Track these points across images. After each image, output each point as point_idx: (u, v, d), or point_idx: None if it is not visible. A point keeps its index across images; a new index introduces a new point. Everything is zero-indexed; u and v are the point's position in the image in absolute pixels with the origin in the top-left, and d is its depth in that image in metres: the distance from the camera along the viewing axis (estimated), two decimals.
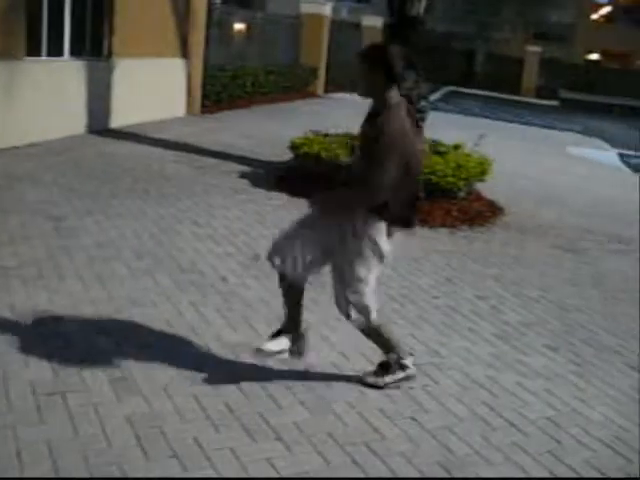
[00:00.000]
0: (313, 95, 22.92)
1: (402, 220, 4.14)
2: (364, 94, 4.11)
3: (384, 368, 4.44)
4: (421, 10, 9.92)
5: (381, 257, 4.12)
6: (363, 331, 4.30)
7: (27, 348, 4.30)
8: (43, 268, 5.60)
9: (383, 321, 4.39)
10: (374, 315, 4.20)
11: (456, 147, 10.54)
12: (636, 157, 19.41)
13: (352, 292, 4.13)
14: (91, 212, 7.24)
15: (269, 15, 24.11)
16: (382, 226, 4.06)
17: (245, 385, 4.20)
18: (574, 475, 3.80)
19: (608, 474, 3.87)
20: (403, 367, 4.41)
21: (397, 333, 4.59)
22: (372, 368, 4.51)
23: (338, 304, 4.21)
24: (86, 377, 4.06)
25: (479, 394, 4.54)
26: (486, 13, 42.95)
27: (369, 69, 4.04)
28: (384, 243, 4.08)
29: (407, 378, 4.45)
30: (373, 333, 4.30)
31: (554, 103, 39.23)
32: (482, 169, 9.78)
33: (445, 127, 14.83)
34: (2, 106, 9.42)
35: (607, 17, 50.73)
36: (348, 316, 4.19)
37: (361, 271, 4.09)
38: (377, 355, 4.50)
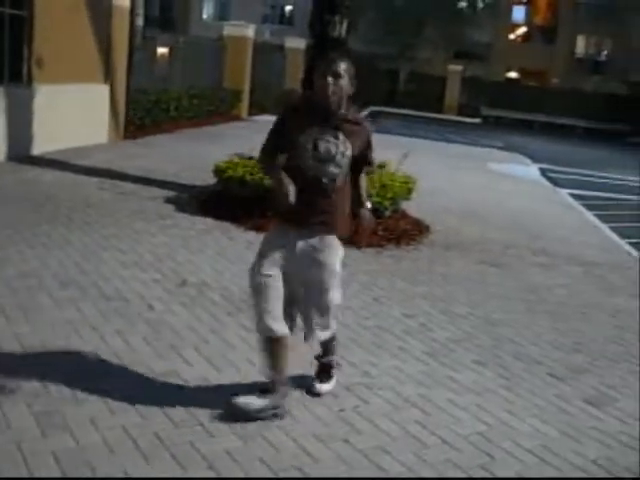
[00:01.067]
0: (237, 118, 22.92)
1: None
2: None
3: (325, 373, 4.69)
4: (343, 31, 10.00)
5: None
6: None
7: None
8: None
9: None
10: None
11: (381, 166, 10.61)
12: (556, 172, 19.88)
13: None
14: (14, 242, 7.07)
15: (192, 38, 24.08)
16: None
17: (174, 413, 4.13)
18: None
19: None
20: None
21: None
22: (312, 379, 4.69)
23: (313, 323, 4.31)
24: (8, 413, 3.94)
25: (411, 412, 4.56)
26: (408, 33, 43.65)
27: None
28: None
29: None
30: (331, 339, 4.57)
31: (476, 120, 40.01)
32: (407, 188, 9.88)
33: None
34: None
35: (523, 37, 52.00)
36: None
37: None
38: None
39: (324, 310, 4.29)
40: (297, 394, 4.57)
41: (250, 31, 23.94)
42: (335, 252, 4.28)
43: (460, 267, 8.22)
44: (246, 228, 8.62)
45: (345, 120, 4.20)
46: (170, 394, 4.36)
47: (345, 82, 4.12)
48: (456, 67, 44.85)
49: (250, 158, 10.19)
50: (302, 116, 4.18)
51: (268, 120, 21.55)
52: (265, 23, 45.29)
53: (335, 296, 4.33)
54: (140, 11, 25.87)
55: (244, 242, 8.05)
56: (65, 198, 9.23)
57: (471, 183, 15.41)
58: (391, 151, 12.44)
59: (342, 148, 4.14)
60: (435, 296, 7.03)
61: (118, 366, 4.67)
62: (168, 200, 9.69)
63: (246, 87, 23.98)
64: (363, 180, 4.54)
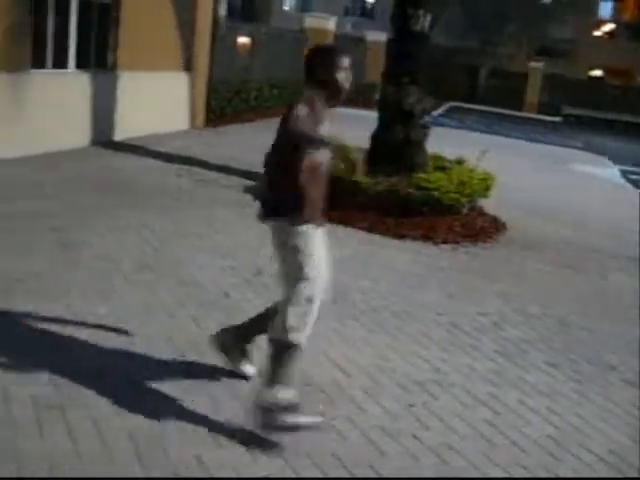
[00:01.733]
0: None
1: None
2: None
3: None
4: (425, 25, 9.97)
5: None
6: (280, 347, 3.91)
7: (28, 361, 4.30)
8: (45, 281, 5.60)
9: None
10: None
11: (459, 163, 10.56)
12: (638, 173, 19.42)
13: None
14: (94, 225, 7.25)
15: (273, 29, 24.22)
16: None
17: (245, 401, 4.18)
18: None
19: None
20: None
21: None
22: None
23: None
24: (86, 391, 4.05)
25: (480, 411, 4.53)
26: (490, 29, 43.11)
27: None
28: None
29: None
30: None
31: (556, 119, 39.30)
32: (485, 185, 9.79)
33: (448, 142, 14.84)
34: (6, 117, 9.45)
35: (609, 34, 50.85)
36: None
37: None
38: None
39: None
40: (365, 386, 4.58)
41: (331, 23, 23.97)
42: None
43: (536, 267, 8.11)
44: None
45: None
46: (242, 381, 4.41)
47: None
48: (537, 64, 44.04)
49: None
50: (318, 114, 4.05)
51: (346, 112, 21.33)
52: (346, 16, 45.29)
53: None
54: (223, 1, 26.16)
55: None
56: (145, 183, 9.41)
57: (550, 182, 15.16)
58: (470, 148, 12.34)
59: None
60: (510, 295, 6.96)
61: (192, 350, 4.75)
62: (247, 189, 9.78)
63: None
64: None
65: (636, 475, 4.09)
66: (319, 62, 4.05)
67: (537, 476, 3.89)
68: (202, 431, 3.83)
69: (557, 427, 4.46)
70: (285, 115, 3.92)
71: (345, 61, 4.03)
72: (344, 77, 4.03)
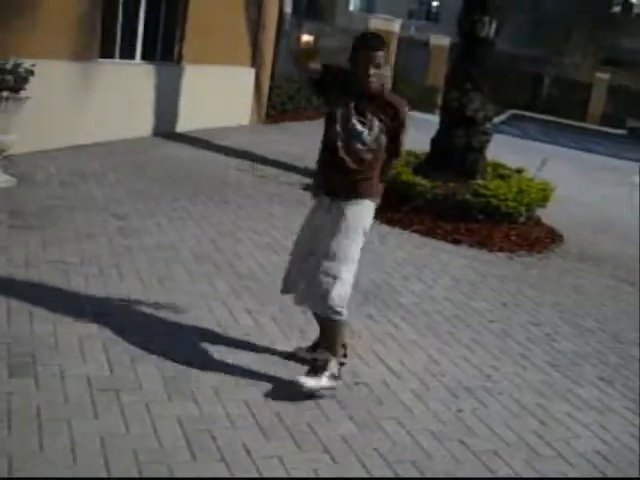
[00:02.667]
0: None
1: None
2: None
3: (315, 370, 4.35)
4: (491, 31, 9.91)
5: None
6: (326, 320, 4.30)
7: (85, 344, 4.40)
8: (104, 266, 5.72)
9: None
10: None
11: (519, 171, 10.48)
12: None
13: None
14: (154, 214, 7.37)
15: (338, 28, 24.27)
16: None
17: (295, 395, 4.22)
18: None
19: None
20: (333, 376, 4.33)
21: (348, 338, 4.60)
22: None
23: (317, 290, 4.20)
24: (140, 375, 4.14)
25: (528, 421, 4.51)
26: (556, 37, 42.59)
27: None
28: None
29: (330, 389, 4.31)
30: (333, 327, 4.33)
31: (621, 132, 38.67)
32: (544, 195, 9.70)
33: (508, 150, 14.73)
34: (74, 105, 9.64)
35: None
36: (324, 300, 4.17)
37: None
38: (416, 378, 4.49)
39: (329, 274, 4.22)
40: (415, 388, 4.60)
41: (396, 25, 23.93)
42: (353, 221, 4.29)
43: (592, 280, 8.02)
44: (379, 221, 8.66)
45: (379, 100, 4.22)
46: (292, 376, 4.45)
47: (384, 66, 4.20)
48: (603, 74, 43.39)
49: None
50: (341, 90, 4.28)
51: (409, 115, 21.29)
52: (411, 18, 45.11)
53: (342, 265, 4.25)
54: None
55: (377, 235, 8.08)
56: (205, 176, 9.53)
57: (611, 196, 14.94)
58: (530, 157, 12.25)
59: (371, 127, 4.19)
60: (564, 307, 6.90)
61: (245, 342, 4.81)
62: (306, 187, 9.83)
63: (389, 80, 23.99)
64: (388, 165, 4.49)
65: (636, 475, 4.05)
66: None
67: None
68: (250, 421, 3.88)
69: (607, 443, 4.41)
70: None
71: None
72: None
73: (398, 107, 4.24)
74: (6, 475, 3.13)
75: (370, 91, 4.18)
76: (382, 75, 4.19)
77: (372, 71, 4.12)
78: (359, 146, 4.21)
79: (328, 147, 4.32)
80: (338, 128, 4.22)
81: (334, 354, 4.34)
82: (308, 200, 4.94)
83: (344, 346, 4.53)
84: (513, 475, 3.87)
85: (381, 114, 4.18)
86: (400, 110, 4.23)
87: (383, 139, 4.23)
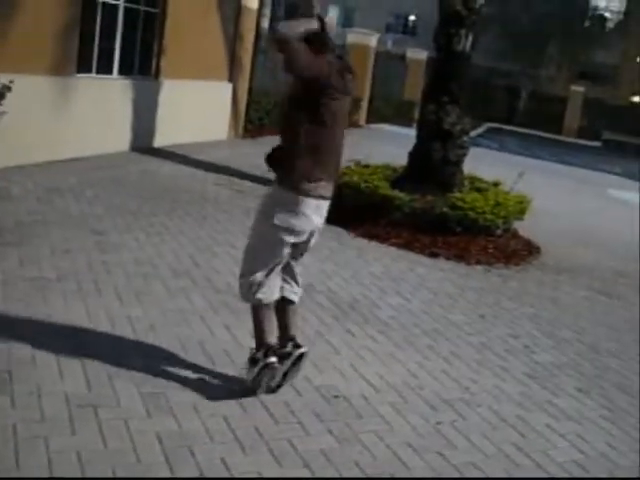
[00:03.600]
0: (355, 125, 22.96)
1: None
2: None
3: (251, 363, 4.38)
4: (468, 45, 10.00)
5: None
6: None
7: (62, 360, 4.38)
8: (82, 281, 5.70)
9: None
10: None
11: (495, 184, 10.55)
12: None
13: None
14: (131, 229, 7.35)
15: None
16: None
17: (274, 409, 4.22)
18: None
19: None
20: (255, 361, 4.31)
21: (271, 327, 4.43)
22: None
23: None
24: (118, 391, 4.12)
25: (507, 433, 4.53)
26: (531, 50, 43.01)
27: None
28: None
29: (265, 367, 4.26)
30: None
31: (596, 144, 39.04)
32: (521, 208, 9.77)
33: (485, 163, 14.82)
34: (51, 120, 9.61)
35: None
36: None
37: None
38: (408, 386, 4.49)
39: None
40: (393, 402, 4.61)
41: (373, 39, 24.05)
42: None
43: (569, 292, 8.07)
44: (357, 235, 8.70)
45: None
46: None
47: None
48: (579, 88, 43.86)
49: (366, 166, 10.29)
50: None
51: (386, 129, 21.46)
52: (388, 32, 45.44)
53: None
54: (266, 12, 26.36)
55: (355, 248, 8.14)
56: (183, 191, 9.52)
57: (587, 207, 15.08)
58: (506, 169, 12.34)
59: None
60: (541, 319, 6.94)
61: (223, 358, 4.80)
62: None
63: (366, 95, 24.07)
64: None
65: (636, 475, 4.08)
66: None
67: None
68: (230, 436, 3.87)
69: (585, 454, 4.44)
70: None
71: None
72: None
73: None
74: None
75: None
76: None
77: None
78: None
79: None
80: None
81: (258, 341, 4.37)
82: None
83: (285, 334, 4.51)
84: None
85: None
86: None
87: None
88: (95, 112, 10.52)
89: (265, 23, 20.97)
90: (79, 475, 3.32)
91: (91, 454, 3.49)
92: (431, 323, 6.25)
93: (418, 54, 29.32)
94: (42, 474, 3.29)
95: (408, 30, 50.24)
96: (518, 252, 9.18)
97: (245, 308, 5.61)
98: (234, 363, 4.73)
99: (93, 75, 10.82)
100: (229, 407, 4.17)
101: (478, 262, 8.48)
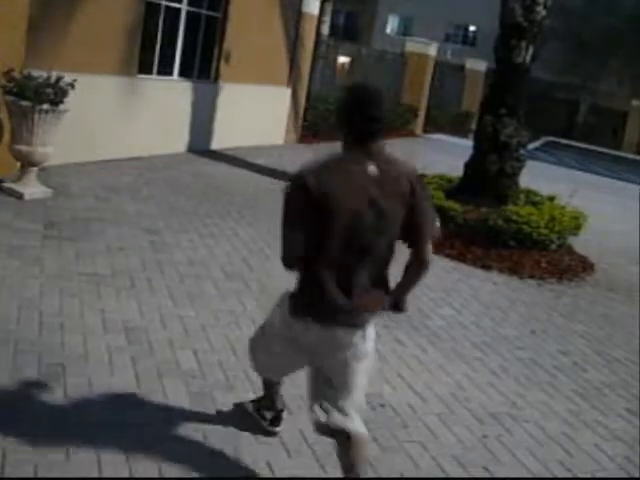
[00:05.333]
0: (412, 134, 22.88)
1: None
2: None
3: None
4: (528, 58, 9.92)
5: None
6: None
7: (114, 356, 4.45)
8: (136, 279, 5.78)
9: None
10: None
11: (551, 199, 10.44)
12: None
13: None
14: (186, 229, 7.44)
15: (374, 50, 24.35)
16: None
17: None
18: None
19: None
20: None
21: None
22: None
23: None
24: (167, 388, 4.18)
25: (554, 450, 4.48)
26: (592, 64, 42.45)
27: None
28: None
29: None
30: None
31: None
32: (576, 223, 9.66)
33: (541, 177, 14.66)
34: (111, 119, 9.76)
35: None
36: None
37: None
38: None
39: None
40: (440, 412, 4.59)
41: (432, 49, 23.96)
42: None
43: (623, 310, 7.94)
44: None
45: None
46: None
47: None
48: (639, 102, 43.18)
49: (422, 175, 10.23)
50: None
51: (443, 139, 21.34)
52: (447, 42, 45.23)
53: None
54: (327, 19, 26.45)
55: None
56: (238, 193, 9.59)
57: None
58: (563, 184, 12.19)
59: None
60: (593, 336, 6.84)
61: None
62: None
63: (423, 104, 23.96)
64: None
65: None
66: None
67: None
68: (274, 438, 3.89)
69: (634, 477, 4.37)
70: None
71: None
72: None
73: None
74: None
75: None
76: None
77: None
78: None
79: None
80: None
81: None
82: None
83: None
84: None
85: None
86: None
87: None
88: (154, 113, 10.65)
89: (325, 30, 21.04)
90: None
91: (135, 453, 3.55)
92: (481, 336, 6.21)
93: (477, 65, 29.10)
94: (92, 467, 3.35)
95: (468, 40, 49.94)
96: (572, 268, 9.06)
97: None
98: None
99: (154, 76, 10.97)
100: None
101: (531, 276, 8.40)
